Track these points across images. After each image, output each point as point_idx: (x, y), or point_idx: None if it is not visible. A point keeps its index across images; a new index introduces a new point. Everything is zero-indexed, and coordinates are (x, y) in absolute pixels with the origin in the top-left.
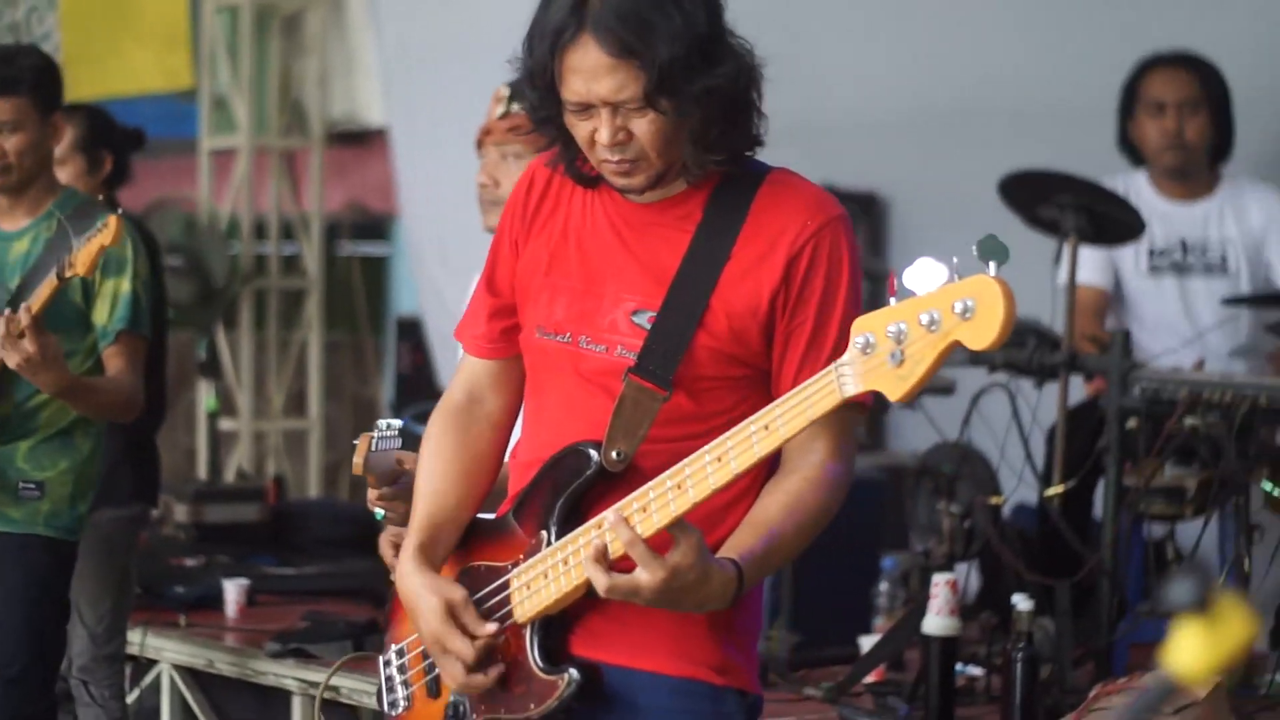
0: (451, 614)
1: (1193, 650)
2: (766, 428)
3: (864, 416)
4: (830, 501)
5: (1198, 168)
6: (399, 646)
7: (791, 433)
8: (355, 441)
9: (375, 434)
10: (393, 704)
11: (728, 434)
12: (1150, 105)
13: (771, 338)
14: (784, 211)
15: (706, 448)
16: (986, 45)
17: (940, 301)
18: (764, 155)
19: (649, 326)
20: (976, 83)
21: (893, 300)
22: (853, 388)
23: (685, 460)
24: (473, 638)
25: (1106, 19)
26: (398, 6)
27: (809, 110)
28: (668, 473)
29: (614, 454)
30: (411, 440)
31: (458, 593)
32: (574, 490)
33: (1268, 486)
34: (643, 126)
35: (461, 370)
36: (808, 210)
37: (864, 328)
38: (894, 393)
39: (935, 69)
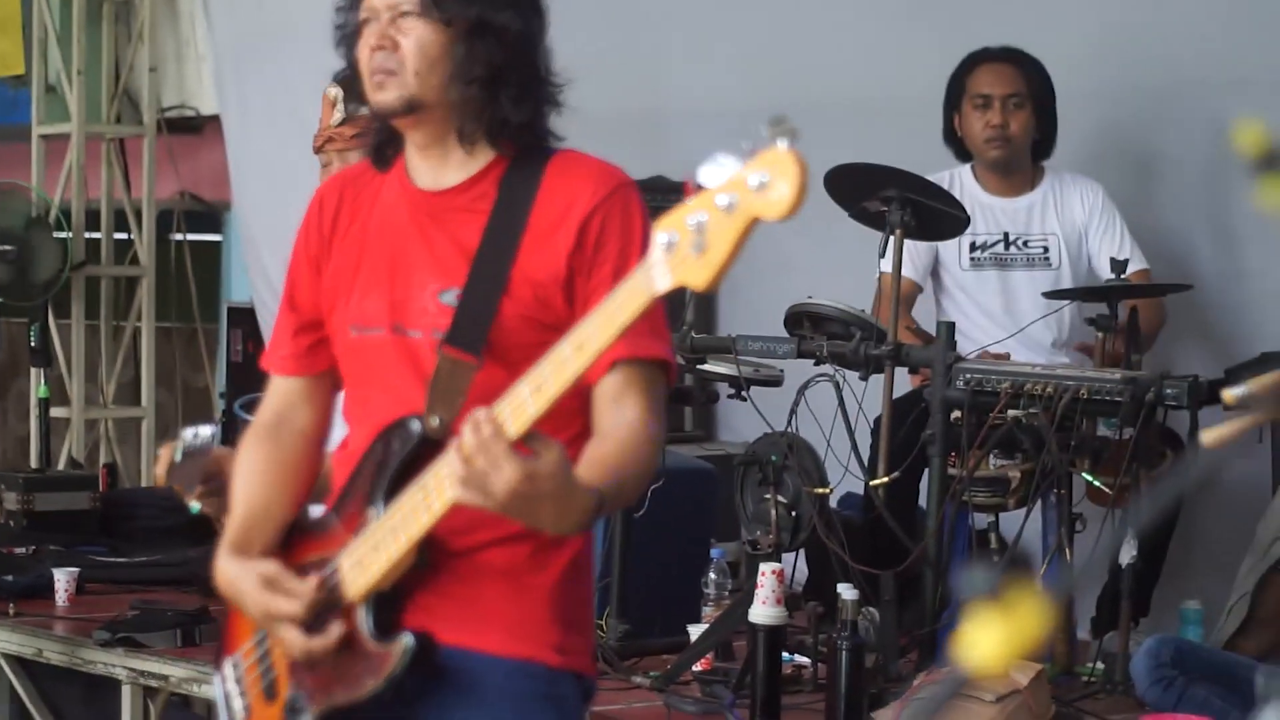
0: (269, 584)
1: (986, 640)
2: (580, 346)
3: (668, 380)
4: (653, 457)
5: (1021, 162)
6: (233, 658)
7: (605, 343)
8: (159, 451)
9: (180, 443)
10: (231, 718)
11: (540, 362)
12: (976, 98)
13: (574, 300)
14: (574, 181)
15: (521, 380)
16: (820, 39)
17: (736, 183)
18: (599, 145)
19: (457, 303)
20: (810, 76)
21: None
22: (661, 283)
23: (502, 399)
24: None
25: (937, 15)
26: None
27: (644, 102)
28: (484, 413)
29: (434, 421)
30: (238, 429)
31: (270, 565)
32: (400, 463)
33: (1088, 477)
34: (410, 39)
35: (269, 393)
36: (596, 179)
37: (665, 227)
38: (699, 280)
39: (770, 62)
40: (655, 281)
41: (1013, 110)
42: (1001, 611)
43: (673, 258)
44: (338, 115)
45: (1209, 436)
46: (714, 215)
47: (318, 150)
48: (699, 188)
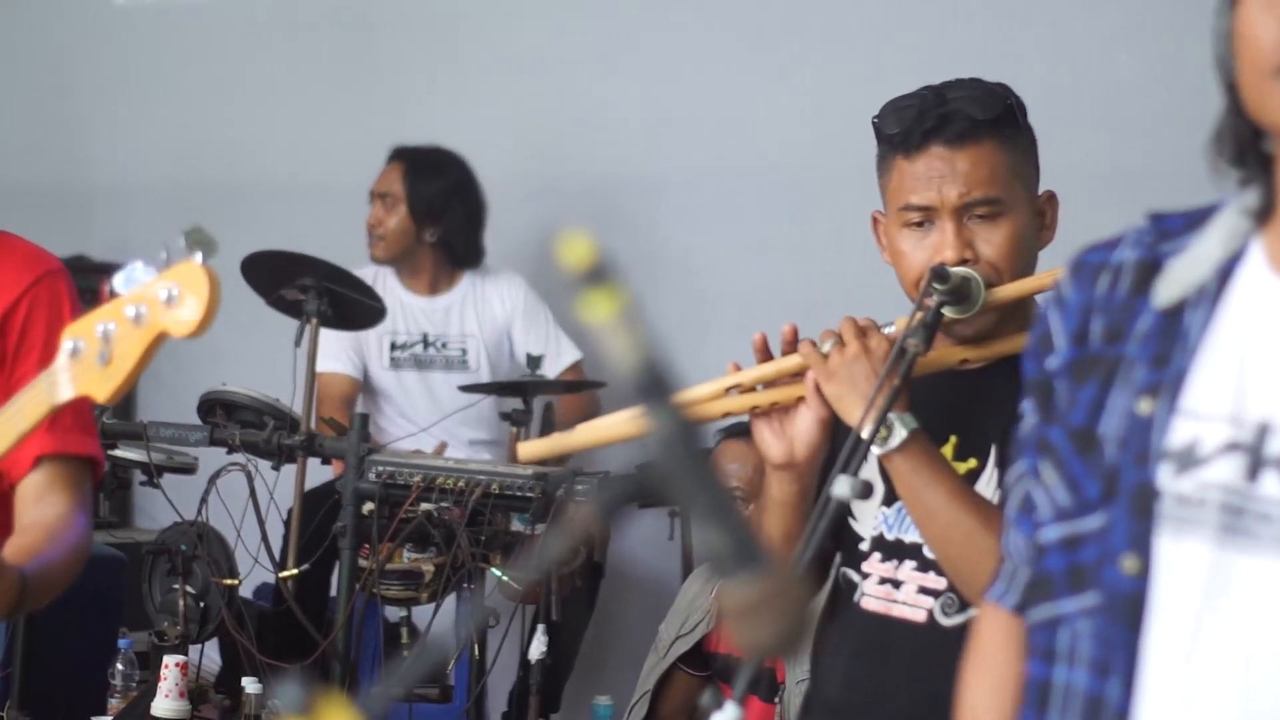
0: None
1: None
2: None
3: (97, 475)
4: (82, 549)
5: (419, 260)
6: None
7: (3, 448)
8: None
9: None
10: None
11: None
12: (370, 195)
13: None
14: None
15: None
16: (251, 120)
17: (147, 295)
18: (17, 221)
19: None
20: (242, 156)
21: None
22: (64, 393)
23: None
24: None
25: (363, 106)
26: None
27: (67, 176)
28: None
29: None
30: None
31: None
32: None
33: (498, 572)
34: None
35: None
36: (23, 265)
37: (74, 333)
38: (101, 392)
39: (201, 141)
40: (58, 390)
41: (387, 209)
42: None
43: (77, 366)
44: None
45: (524, 450)
46: (122, 326)
47: None
48: (113, 292)
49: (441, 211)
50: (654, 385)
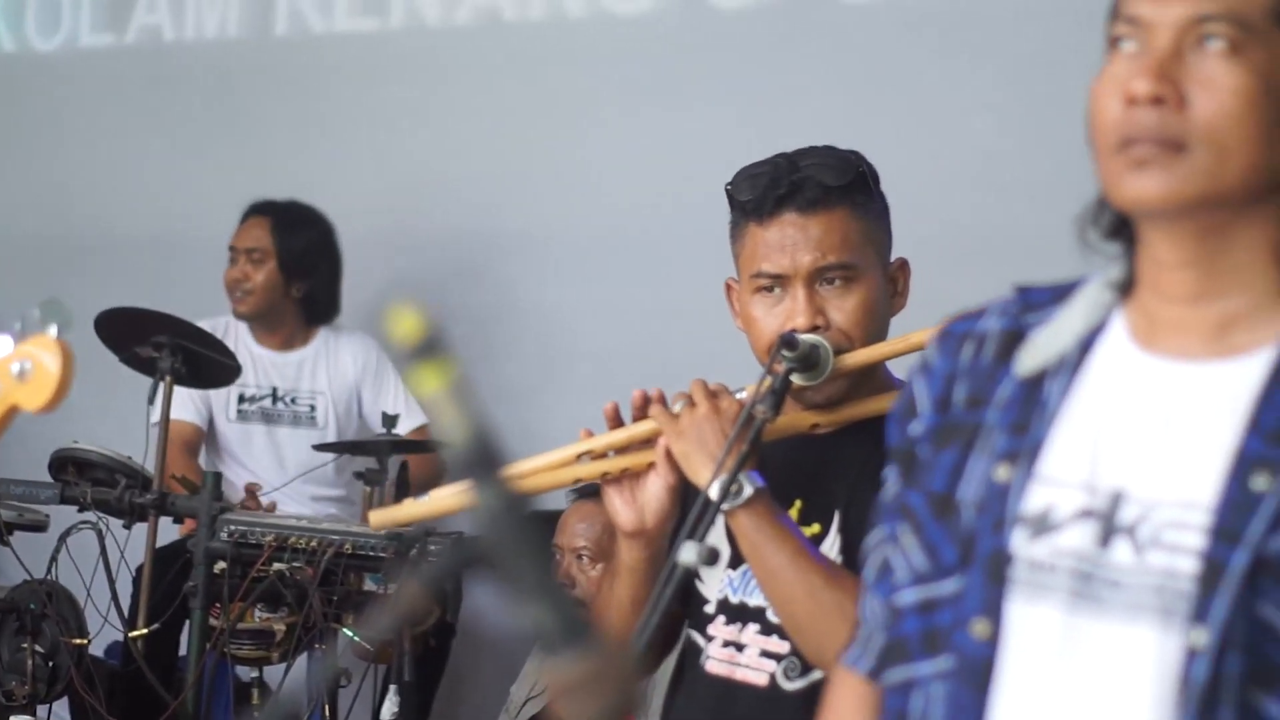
0: None
1: None
2: None
3: None
4: None
5: (281, 317)
6: None
7: None
8: None
9: None
10: None
11: None
12: (229, 251)
13: None
14: None
15: None
16: (112, 172)
17: (0, 368)
18: None
19: None
20: (95, 211)
21: None
22: None
23: None
24: None
25: (225, 157)
26: None
27: None
28: None
29: None
30: None
31: None
32: None
33: (350, 632)
34: None
35: None
36: None
37: None
38: None
39: (60, 193)
40: None
41: (254, 264)
42: None
43: None
44: None
45: (375, 518)
46: None
47: None
48: None
49: (311, 267)
50: (482, 460)
